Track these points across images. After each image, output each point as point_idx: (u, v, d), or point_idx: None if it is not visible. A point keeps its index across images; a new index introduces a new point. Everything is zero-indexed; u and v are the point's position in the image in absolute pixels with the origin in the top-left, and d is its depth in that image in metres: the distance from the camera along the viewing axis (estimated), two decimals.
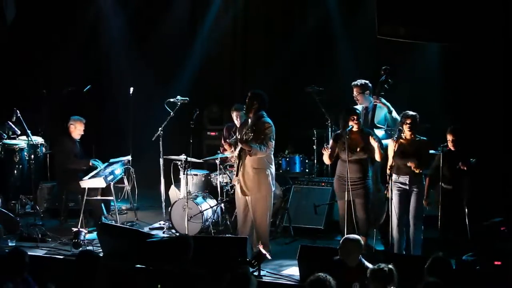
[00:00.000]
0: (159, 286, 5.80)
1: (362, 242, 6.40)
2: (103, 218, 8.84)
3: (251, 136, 7.62)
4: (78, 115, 9.36)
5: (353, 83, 8.40)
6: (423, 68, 10.21)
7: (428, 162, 7.56)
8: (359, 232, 7.59)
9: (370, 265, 6.06)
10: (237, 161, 7.80)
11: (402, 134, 7.53)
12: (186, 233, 8.29)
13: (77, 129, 9.21)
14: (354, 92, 8.36)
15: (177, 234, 8.60)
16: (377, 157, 7.60)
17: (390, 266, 5.52)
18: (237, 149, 7.77)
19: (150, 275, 6.57)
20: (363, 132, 7.70)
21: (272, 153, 7.87)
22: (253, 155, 7.63)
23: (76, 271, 5.78)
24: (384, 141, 7.85)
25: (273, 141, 7.75)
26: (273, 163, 7.90)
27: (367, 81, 8.35)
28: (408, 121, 7.48)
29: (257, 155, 7.64)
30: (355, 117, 7.61)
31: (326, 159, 7.89)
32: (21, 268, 5.83)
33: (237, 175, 7.83)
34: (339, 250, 6.22)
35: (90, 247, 7.85)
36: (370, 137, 7.56)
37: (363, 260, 6.17)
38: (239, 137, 7.79)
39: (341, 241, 6.33)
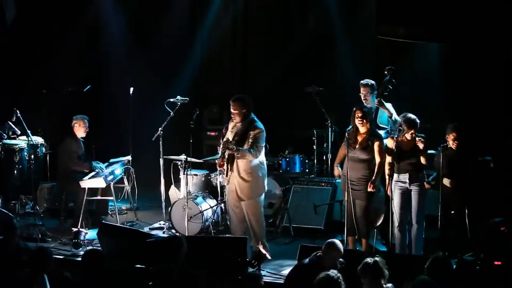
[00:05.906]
0: (150, 283, 5.77)
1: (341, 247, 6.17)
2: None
3: (236, 140, 7.56)
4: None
5: (362, 82, 8.21)
6: (423, 68, 10.21)
7: (427, 157, 7.54)
8: (358, 233, 7.60)
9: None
10: (226, 165, 7.71)
11: (406, 135, 7.51)
12: (186, 233, 8.31)
13: (81, 127, 9.22)
14: (363, 91, 8.17)
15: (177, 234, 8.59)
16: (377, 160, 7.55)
17: (376, 258, 5.48)
18: (226, 153, 7.66)
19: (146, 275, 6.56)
20: (369, 133, 7.60)
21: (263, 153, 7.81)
22: (242, 158, 7.54)
23: (83, 270, 5.79)
24: (385, 141, 7.84)
25: (263, 145, 7.66)
26: (265, 163, 7.85)
27: (374, 82, 8.24)
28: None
29: (246, 158, 7.55)
30: (359, 115, 7.58)
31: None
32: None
33: (226, 175, 7.78)
34: (322, 254, 6.08)
35: (90, 247, 7.84)
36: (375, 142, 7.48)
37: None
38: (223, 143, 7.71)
39: (324, 245, 6.15)
